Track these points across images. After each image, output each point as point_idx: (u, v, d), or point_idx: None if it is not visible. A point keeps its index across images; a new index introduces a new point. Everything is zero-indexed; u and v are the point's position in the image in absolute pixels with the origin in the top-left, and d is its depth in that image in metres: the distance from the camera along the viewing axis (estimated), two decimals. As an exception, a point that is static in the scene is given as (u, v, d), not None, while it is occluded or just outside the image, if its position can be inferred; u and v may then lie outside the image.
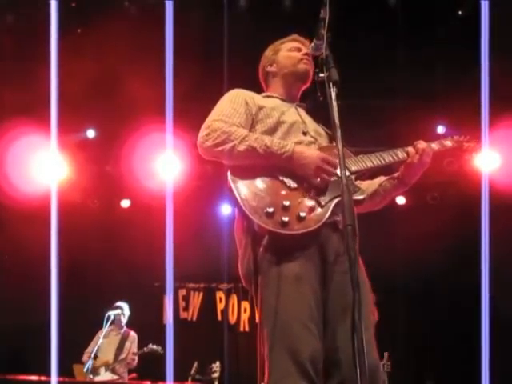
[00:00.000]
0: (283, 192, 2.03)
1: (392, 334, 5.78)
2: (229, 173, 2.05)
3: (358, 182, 2.25)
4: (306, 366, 1.92)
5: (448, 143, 2.41)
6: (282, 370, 1.92)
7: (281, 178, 2.06)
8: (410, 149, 2.25)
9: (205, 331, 6.70)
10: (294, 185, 2.05)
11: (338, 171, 2.06)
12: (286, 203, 1.99)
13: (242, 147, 2.04)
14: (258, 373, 1.99)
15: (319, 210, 2.01)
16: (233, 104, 2.19)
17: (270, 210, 1.96)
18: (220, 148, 2.06)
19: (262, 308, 2.00)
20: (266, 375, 1.96)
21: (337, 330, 1.99)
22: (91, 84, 5.28)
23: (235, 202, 2.01)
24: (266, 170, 2.06)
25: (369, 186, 2.31)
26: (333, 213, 2.03)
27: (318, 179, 2.05)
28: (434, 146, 2.34)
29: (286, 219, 1.95)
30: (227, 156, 2.06)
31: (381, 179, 2.33)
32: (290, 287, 1.97)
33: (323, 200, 2.03)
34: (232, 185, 2.02)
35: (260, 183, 2.04)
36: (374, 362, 1.99)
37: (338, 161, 2.05)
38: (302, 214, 1.97)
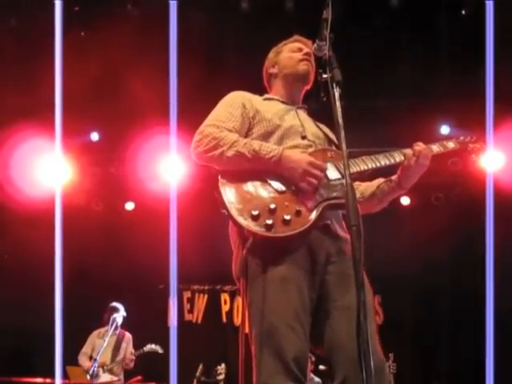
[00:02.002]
0: (271, 195, 2.04)
1: (397, 335, 5.76)
2: (219, 177, 2.08)
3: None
4: (291, 366, 1.95)
5: (451, 144, 2.36)
6: (269, 370, 1.95)
7: (269, 181, 2.07)
8: (408, 151, 2.22)
9: (210, 333, 6.70)
10: (282, 188, 2.05)
11: (329, 172, 2.09)
12: (272, 206, 1.99)
13: (230, 153, 2.06)
14: (240, 372, 2.01)
15: (306, 213, 2.01)
16: (229, 107, 2.20)
17: (255, 212, 1.98)
18: (210, 154, 2.09)
19: (249, 309, 2.03)
20: (254, 375, 2.00)
21: (336, 329, 2.00)
22: (95, 87, 5.30)
23: (223, 205, 2.03)
24: (255, 174, 2.07)
25: (367, 187, 2.31)
26: (322, 216, 2.03)
27: (304, 183, 2.04)
28: (435, 147, 2.30)
29: (269, 222, 1.96)
30: (217, 162, 2.09)
31: (379, 181, 2.31)
32: (275, 289, 1.99)
33: (311, 203, 2.03)
34: (221, 188, 2.05)
35: (248, 187, 2.05)
36: (379, 362, 2.00)
37: (325, 165, 2.09)
38: (287, 217, 1.98)
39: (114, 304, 5.99)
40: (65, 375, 5.51)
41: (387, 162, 2.22)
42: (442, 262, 6.21)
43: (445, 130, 5.94)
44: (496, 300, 4.66)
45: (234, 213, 2.00)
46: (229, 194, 2.03)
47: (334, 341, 2.01)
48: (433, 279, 6.30)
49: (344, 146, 1.83)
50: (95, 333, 6.01)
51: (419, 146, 2.22)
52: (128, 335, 6.03)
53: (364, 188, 2.30)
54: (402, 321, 6.20)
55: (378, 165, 2.20)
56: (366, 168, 2.18)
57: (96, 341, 5.91)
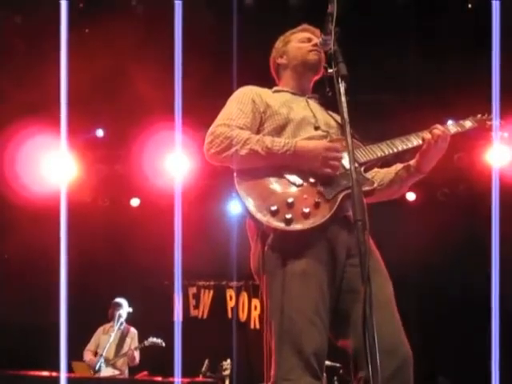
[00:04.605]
0: (288, 189, 2.03)
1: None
2: (235, 174, 2.07)
3: (370, 172, 2.21)
4: (311, 361, 1.94)
5: (468, 123, 2.35)
6: (288, 364, 1.94)
7: (286, 175, 2.06)
8: (426, 135, 2.19)
9: (215, 329, 6.71)
10: (299, 181, 2.04)
11: (344, 161, 2.07)
12: (290, 200, 1.99)
13: (243, 151, 2.05)
14: (265, 368, 2.00)
15: (325, 204, 2.00)
16: (239, 104, 2.19)
17: (274, 208, 1.97)
18: (224, 154, 2.08)
19: (268, 304, 2.02)
20: (273, 369, 1.98)
21: (358, 324, 1.98)
22: (100, 84, 5.30)
23: (241, 203, 2.03)
24: (271, 170, 2.06)
25: (385, 175, 2.27)
26: (341, 207, 2.01)
27: (327, 169, 2.03)
28: (452, 128, 2.29)
29: (289, 216, 1.96)
30: (231, 161, 2.08)
31: (397, 167, 2.28)
32: (295, 283, 1.98)
33: (329, 194, 2.01)
34: (238, 186, 2.04)
35: (265, 183, 2.04)
36: (405, 355, 2.00)
37: (342, 148, 2.06)
38: (306, 210, 1.97)
39: (118, 300, 6.01)
40: (70, 370, 5.55)
41: (404, 147, 2.19)
42: (447, 258, 6.19)
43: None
44: (502, 295, 4.64)
45: (253, 210, 1.99)
46: (246, 191, 2.02)
47: (356, 335, 1.97)
48: (438, 274, 6.29)
49: (350, 140, 1.83)
50: (100, 329, 6.04)
51: (438, 129, 2.19)
52: (133, 330, 6.05)
53: (383, 175, 2.27)
54: (407, 316, 6.18)
55: (395, 150, 2.18)
56: (382, 154, 2.16)
57: (101, 337, 5.94)
